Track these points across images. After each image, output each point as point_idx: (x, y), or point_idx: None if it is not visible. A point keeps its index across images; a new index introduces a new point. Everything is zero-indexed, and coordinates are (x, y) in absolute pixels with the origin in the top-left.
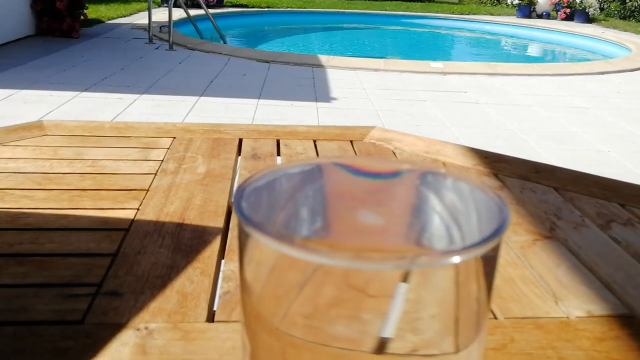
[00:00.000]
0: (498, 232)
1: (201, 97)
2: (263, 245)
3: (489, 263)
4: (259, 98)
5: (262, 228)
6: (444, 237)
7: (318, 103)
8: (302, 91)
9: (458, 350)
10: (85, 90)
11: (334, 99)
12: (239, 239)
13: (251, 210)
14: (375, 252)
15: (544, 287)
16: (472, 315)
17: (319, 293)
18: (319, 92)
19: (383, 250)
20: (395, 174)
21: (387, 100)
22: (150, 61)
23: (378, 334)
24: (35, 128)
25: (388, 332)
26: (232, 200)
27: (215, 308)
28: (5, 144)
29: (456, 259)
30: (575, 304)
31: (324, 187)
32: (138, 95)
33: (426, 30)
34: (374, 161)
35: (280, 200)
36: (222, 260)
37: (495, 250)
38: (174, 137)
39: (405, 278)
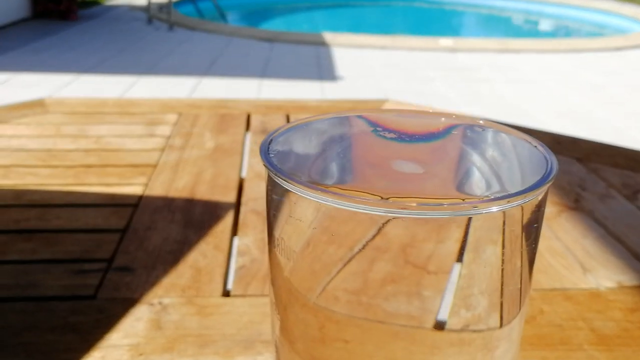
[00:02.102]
0: (546, 178)
1: (203, 79)
2: (306, 202)
3: (534, 218)
4: (262, 78)
5: (306, 182)
6: (486, 191)
7: (323, 82)
8: (306, 70)
9: (502, 326)
10: (84, 73)
11: (340, 78)
12: (269, 204)
13: (283, 164)
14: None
15: (571, 258)
16: (516, 292)
17: (371, 262)
18: (325, 71)
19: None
20: (433, 129)
21: (395, 79)
22: (150, 43)
23: (437, 310)
24: (37, 106)
25: (446, 309)
26: (262, 156)
27: (230, 283)
28: (7, 122)
29: (515, 203)
30: (604, 274)
31: (355, 141)
32: (138, 78)
33: (434, 6)
34: (409, 116)
35: (310, 154)
36: (236, 235)
37: (542, 204)
38: (180, 113)
39: (466, 228)
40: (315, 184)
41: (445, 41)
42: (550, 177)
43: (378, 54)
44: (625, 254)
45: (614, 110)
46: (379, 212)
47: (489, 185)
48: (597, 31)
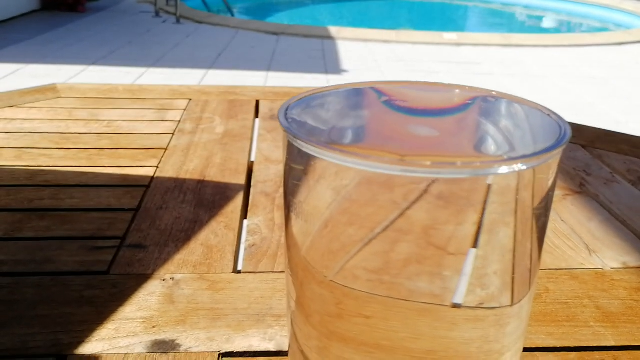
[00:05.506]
0: (561, 141)
1: (210, 71)
2: (324, 163)
3: (546, 193)
4: (268, 71)
5: (324, 143)
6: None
7: (328, 75)
8: (312, 63)
9: (513, 304)
10: (93, 64)
11: (345, 71)
12: (287, 171)
13: (301, 129)
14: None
15: (577, 240)
16: (526, 270)
17: (393, 241)
18: (330, 65)
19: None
20: (448, 101)
21: (399, 72)
22: (157, 35)
23: (455, 289)
24: (49, 91)
25: (462, 289)
26: (281, 119)
27: (240, 261)
28: (20, 106)
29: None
30: (610, 255)
31: (371, 111)
32: (146, 69)
33: (439, 1)
34: (423, 89)
35: (327, 122)
36: (246, 217)
37: (556, 171)
38: (190, 99)
39: (487, 190)
40: (333, 145)
41: (450, 35)
42: (565, 141)
43: (383, 48)
44: (630, 236)
45: (615, 103)
46: (397, 171)
47: (503, 152)
48: (600, 26)
